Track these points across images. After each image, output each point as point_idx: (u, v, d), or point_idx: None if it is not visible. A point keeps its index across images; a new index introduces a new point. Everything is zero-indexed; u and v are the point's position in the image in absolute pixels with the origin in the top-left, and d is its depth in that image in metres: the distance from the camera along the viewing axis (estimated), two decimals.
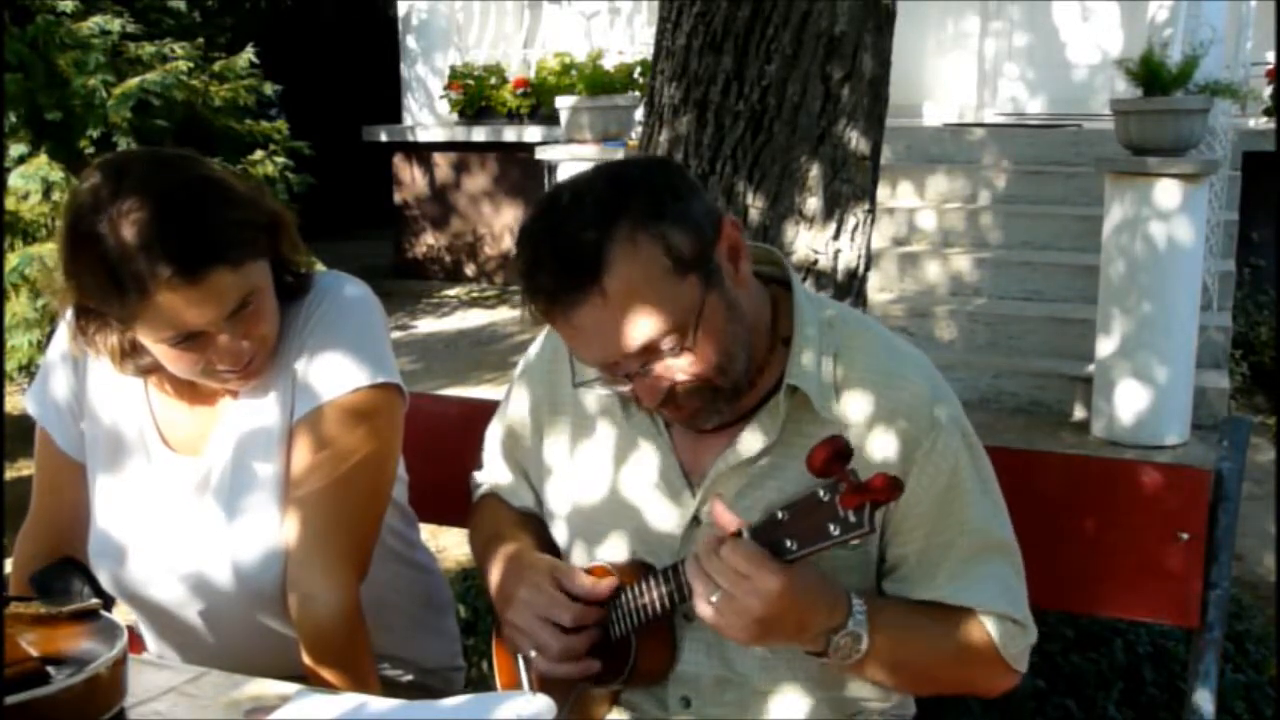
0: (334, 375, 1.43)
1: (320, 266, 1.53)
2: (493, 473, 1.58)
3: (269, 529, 1.44)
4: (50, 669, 1.07)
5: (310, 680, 1.39)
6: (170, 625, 1.52)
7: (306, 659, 1.41)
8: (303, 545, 1.41)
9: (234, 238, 1.32)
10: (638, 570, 1.35)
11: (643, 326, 1.19)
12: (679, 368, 1.23)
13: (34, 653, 1.08)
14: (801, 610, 1.19)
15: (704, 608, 1.18)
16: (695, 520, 1.34)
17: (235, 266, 1.31)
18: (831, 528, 1.12)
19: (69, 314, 1.41)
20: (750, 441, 1.31)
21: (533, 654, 1.36)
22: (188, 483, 1.47)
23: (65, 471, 1.54)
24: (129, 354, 1.41)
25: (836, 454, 1.10)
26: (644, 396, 1.26)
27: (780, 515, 1.15)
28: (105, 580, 1.49)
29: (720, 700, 1.37)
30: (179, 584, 1.47)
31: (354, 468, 1.43)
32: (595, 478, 1.41)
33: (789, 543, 1.15)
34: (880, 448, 1.28)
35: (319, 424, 1.43)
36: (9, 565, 1.57)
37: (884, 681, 1.32)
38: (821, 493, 1.13)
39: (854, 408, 1.29)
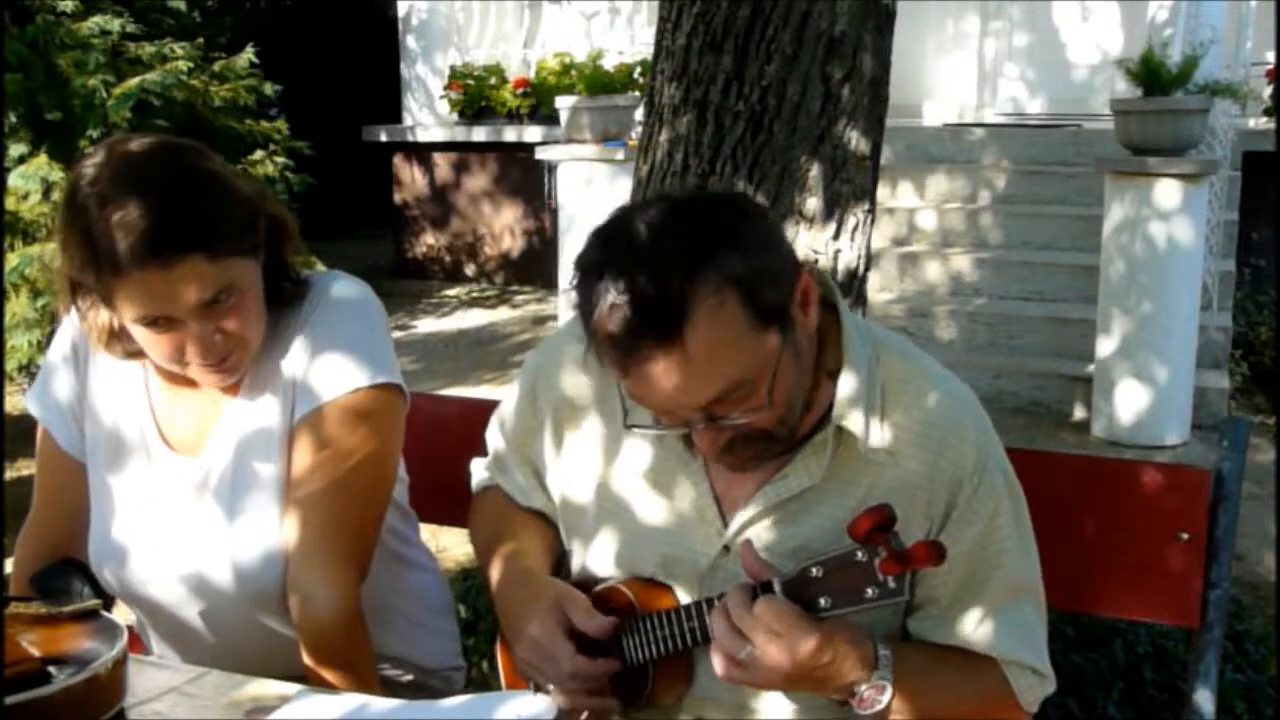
0: (334, 375, 1.43)
1: (320, 267, 1.53)
2: (500, 468, 1.53)
3: (269, 530, 1.44)
4: (50, 669, 1.07)
5: (311, 680, 1.39)
6: (171, 625, 1.52)
7: (307, 659, 1.40)
8: (303, 546, 1.41)
9: (217, 230, 1.32)
10: (656, 592, 1.32)
11: (719, 383, 1.14)
12: (745, 420, 1.18)
13: (34, 653, 1.08)
14: (830, 666, 1.16)
15: (728, 667, 1.15)
16: (725, 549, 1.30)
17: (213, 258, 1.31)
18: (868, 591, 1.11)
19: (66, 291, 1.41)
20: (794, 479, 1.27)
21: (550, 689, 1.33)
22: (188, 483, 1.47)
23: (66, 471, 1.54)
24: (116, 336, 1.41)
25: (881, 524, 1.09)
26: (704, 445, 1.21)
27: (814, 571, 1.13)
28: (106, 580, 1.49)
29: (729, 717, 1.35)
30: (179, 584, 1.47)
31: (354, 468, 1.42)
32: (618, 491, 1.37)
33: (823, 600, 1.13)
34: (925, 491, 1.25)
35: (319, 424, 1.43)
36: (9, 565, 1.57)
37: None
38: (860, 554, 1.11)
39: (899, 448, 1.25)
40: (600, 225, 1.19)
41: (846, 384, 1.24)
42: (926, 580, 1.26)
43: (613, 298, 1.11)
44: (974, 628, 1.27)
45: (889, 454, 1.25)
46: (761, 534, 1.28)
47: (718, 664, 1.16)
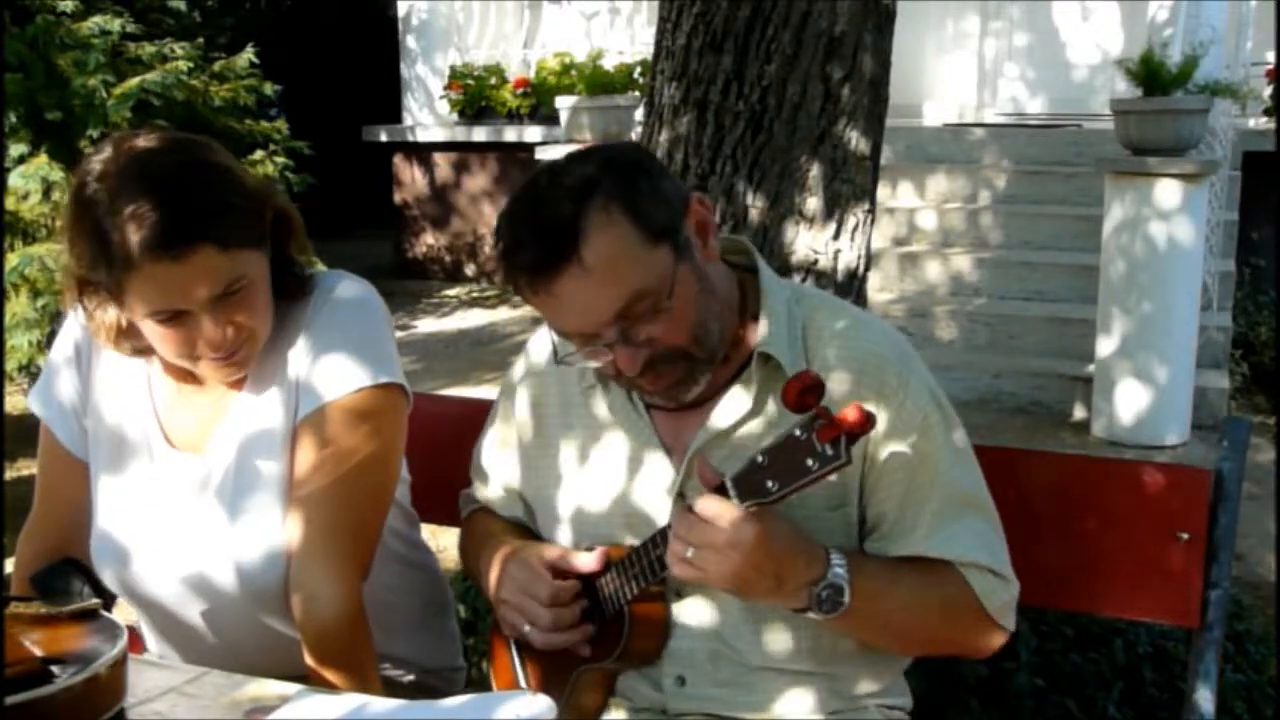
0: (336, 375, 1.43)
1: (321, 267, 1.53)
2: (483, 487, 1.60)
3: (271, 529, 1.44)
4: (51, 669, 1.07)
5: (312, 680, 1.39)
6: (172, 625, 1.52)
7: (309, 659, 1.40)
8: (305, 545, 1.41)
9: (227, 221, 1.32)
10: (627, 551, 1.37)
11: (620, 292, 1.24)
12: (656, 334, 1.27)
13: (35, 653, 1.08)
14: (779, 560, 1.22)
15: (681, 567, 1.22)
16: (680, 495, 1.36)
17: (223, 249, 1.31)
18: (810, 463, 1.14)
19: (73, 290, 1.41)
20: (727, 411, 1.36)
21: (527, 628, 1.38)
22: (190, 481, 1.47)
23: (68, 470, 1.54)
24: (125, 333, 1.41)
25: (808, 387, 1.12)
26: (624, 365, 1.29)
27: (760, 459, 1.18)
28: (107, 579, 1.49)
29: (715, 679, 1.38)
30: (180, 583, 1.47)
31: (356, 468, 1.42)
32: (585, 474, 1.44)
33: (770, 483, 1.17)
34: (851, 402, 1.30)
35: (321, 424, 1.43)
36: (9, 565, 1.57)
37: (870, 638, 1.35)
38: (798, 431, 1.15)
39: (823, 370, 1.33)
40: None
41: (766, 318, 1.36)
42: (873, 499, 1.34)
43: (518, 232, 1.27)
44: (924, 536, 1.33)
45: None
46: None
47: (675, 569, 1.23)
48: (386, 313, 1.51)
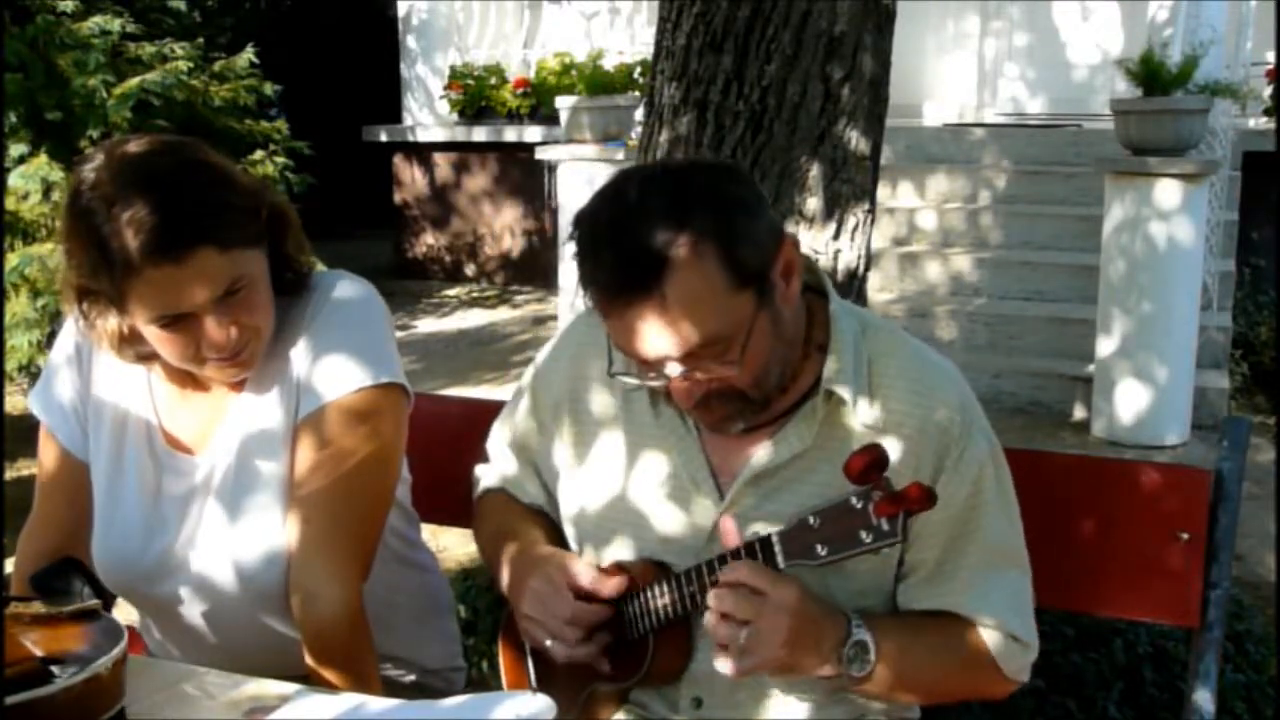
0: (336, 375, 1.43)
1: (321, 267, 1.53)
2: (503, 469, 1.56)
3: (271, 529, 1.44)
4: (51, 669, 1.07)
5: (312, 680, 1.39)
6: (172, 624, 1.52)
7: (309, 659, 1.40)
8: (305, 545, 1.41)
9: (224, 220, 1.32)
10: (654, 571, 1.34)
11: (695, 335, 1.20)
12: (719, 374, 1.24)
13: (35, 653, 1.08)
14: (816, 620, 1.20)
15: (737, 658, 1.18)
16: (716, 527, 1.32)
17: (223, 249, 1.31)
18: (864, 535, 1.13)
19: (72, 300, 1.40)
20: (785, 445, 1.31)
21: (549, 643, 1.35)
22: (190, 481, 1.47)
23: (68, 471, 1.54)
24: (128, 340, 1.40)
25: (874, 463, 1.11)
26: (679, 397, 1.27)
27: (811, 520, 1.16)
28: (107, 579, 1.49)
29: (732, 700, 1.37)
30: (181, 583, 1.47)
31: (357, 467, 1.42)
32: (618, 478, 1.40)
33: (819, 548, 1.16)
34: (911, 454, 1.28)
35: (321, 424, 1.42)
36: (9, 565, 1.57)
37: (892, 697, 1.32)
38: (855, 500, 1.13)
39: (888, 415, 1.29)
40: (601, 187, 1.27)
41: (834, 355, 1.31)
42: (915, 545, 1.31)
43: (601, 248, 1.20)
44: (958, 591, 1.31)
45: (877, 421, 1.30)
46: (756, 504, 1.32)
47: (726, 660, 1.19)
48: (387, 312, 1.50)
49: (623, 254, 1.18)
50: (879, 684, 1.26)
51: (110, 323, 1.39)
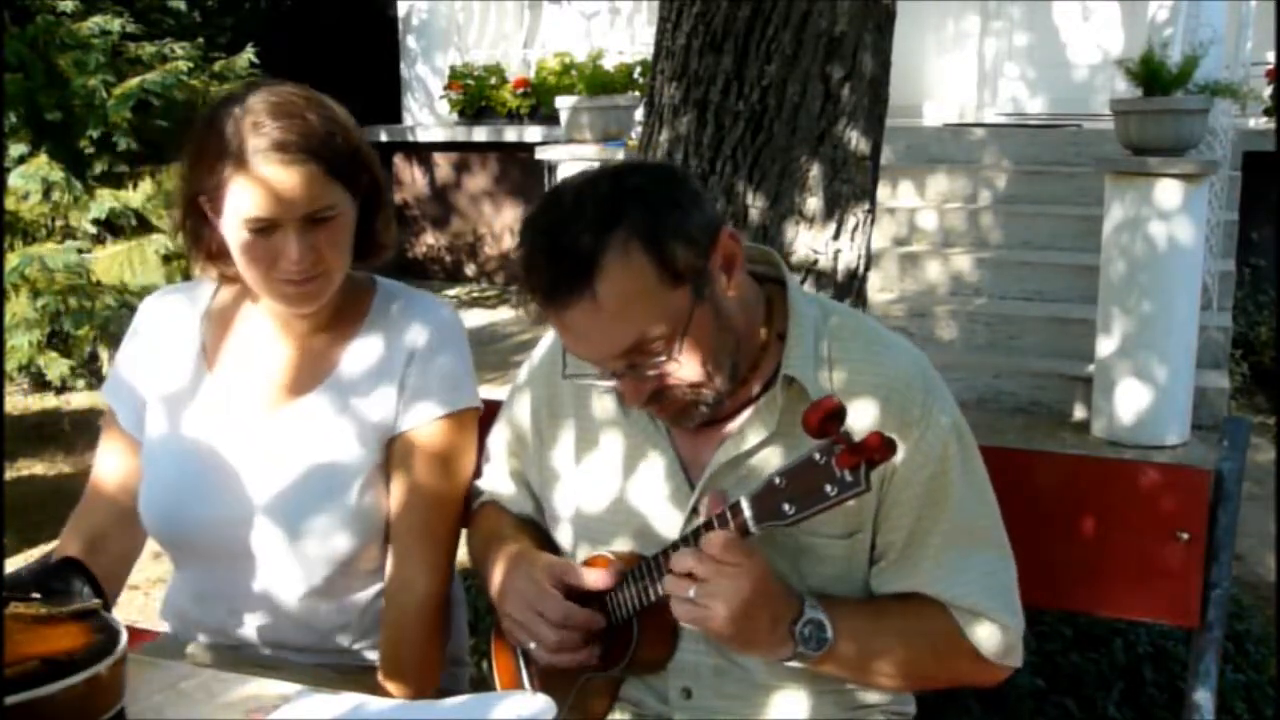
0: (449, 394, 1.53)
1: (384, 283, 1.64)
2: (493, 480, 1.60)
3: (339, 511, 1.48)
4: (51, 669, 1.07)
5: (383, 670, 1.51)
6: (219, 588, 1.56)
7: (385, 644, 1.53)
8: (408, 538, 1.52)
9: (338, 152, 1.42)
10: (637, 557, 1.36)
11: (629, 332, 1.22)
12: (665, 372, 1.26)
13: (35, 653, 1.08)
14: (774, 596, 1.23)
15: (683, 608, 1.21)
16: (694, 512, 1.35)
17: (328, 175, 1.41)
18: (829, 488, 1.14)
19: (180, 218, 1.49)
20: (748, 434, 1.33)
21: (532, 646, 1.37)
22: (265, 445, 1.52)
23: (125, 456, 1.59)
24: (215, 257, 1.50)
25: (830, 414, 1.11)
26: (628, 395, 1.29)
27: (778, 481, 1.18)
28: (156, 536, 1.56)
29: (721, 692, 1.37)
30: (236, 546, 1.51)
31: (457, 479, 1.55)
32: (598, 479, 1.43)
33: (787, 506, 1.17)
34: (869, 416, 1.30)
35: (436, 436, 1.52)
36: (10, 565, 1.57)
37: (861, 680, 1.33)
38: (817, 455, 1.14)
39: (848, 396, 1.30)
40: (542, 195, 1.31)
41: (792, 341, 1.32)
42: (884, 527, 1.32)
43: (534, 253, 1.24)
44: (926, 571, 1.32)
45: (835, 391, 1.30)
46: (730, 497, 1.31)
47: (675, 609, 1.22)
48: (465, 339, 1.61)
49: (555, 258, 1.21)
50: (841, 664, 1.28)
51: (207, 238, 1.48)
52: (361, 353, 1.54)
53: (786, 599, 1.25)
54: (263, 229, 1.40)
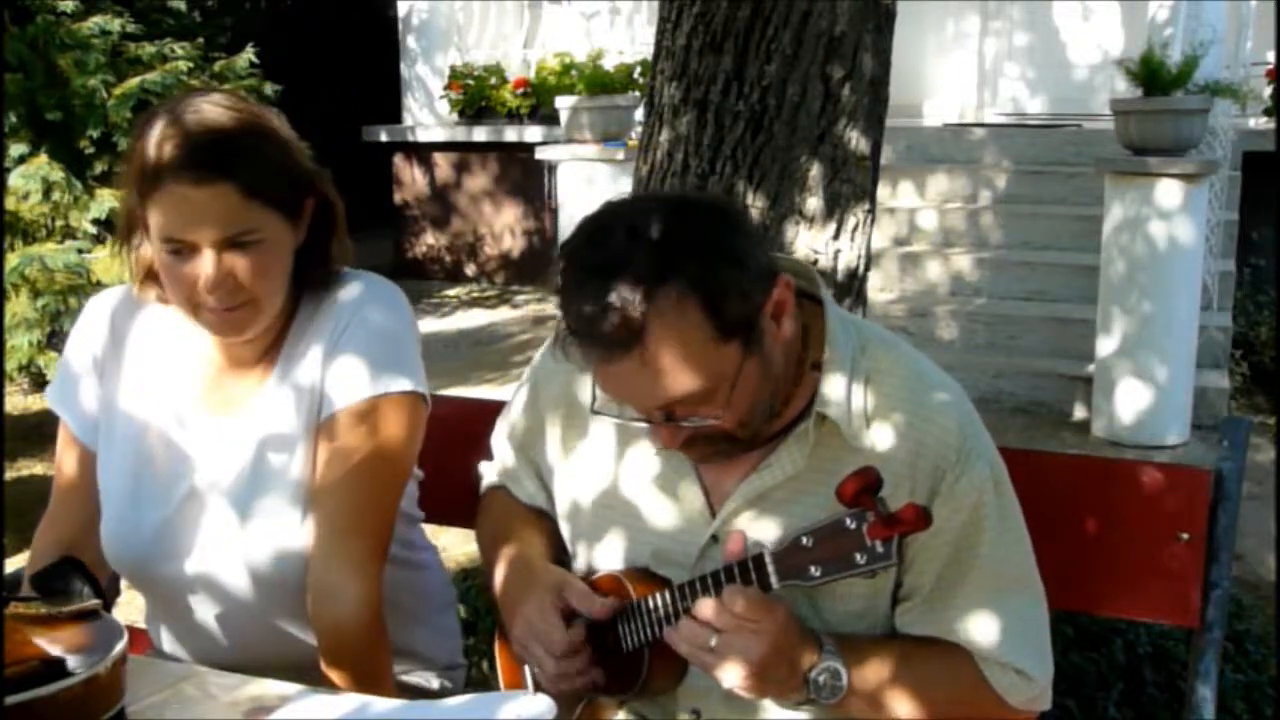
0: (353, 381, 1.43)
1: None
2: (504, 468, 1.56)
3: (282, 528, 1.44)
4: (51, 668, 1.07)
5: (325, 680, 1.39)
6: (182, 620, 1.52)
7: (324, 657, 1.40)
8: (323, 543, 1.42)
9: (257, 170, 1.34)
10: (650, 582, 1.33)
11: (677, 388, 1.17)
12: (704, 420, 1.21)
13: (35, 652, 1.08)
14: (794, 646, 1.20)
15: (700, 655, 1.18)
16: (713, 539, 1.32)
17: (245, 194, 1.33)
18: (858, 557, 1.12)
19: (124, 233, 1.44)
20: (777, 468, 1.29)
21: (537, 670, 1.35)
22: (204, 475, 1.47)
23: (84, 466, 1.54)
24: (149, 277, 1.44)
25: (866, 487, 1.10)
26: (663, 440, 1.25)
27: (805, 541, 1.15)
28: (118, 567, 1.50)
29: (729, 714, 1.35)
30: (189, 578, 1.47)
31: (367, 468, 1.43)
32: (613, 487, 1.39)
33: (813, 569, 1.15)
34: (906, 478, 1.26)
35: (343, 427, 1.43)
36: (10, 565, 1.57)
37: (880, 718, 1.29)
38: (849, 521, 1.13)
39: (883, 438, 1.26)
40: (588, 217, 1.22)
41: (830, 374, 1.27)
42: (912, 568, 1.28)
43: (581, 300, 1.15)
44: (953, 619, 1.28)
45: (871, 444, 1.27)
46: (749, 524, 1.30)
47: (691, 656, 1.20)
48: (411, 316, 1.51)
49: (601, 310, 1.13)
50: (857, 709, 1.25)
51: (145, 252, 1.42)
52: (298, 326, 1.47)
53: (804, 647, 1.22)
54: (179, 250, 1.34)
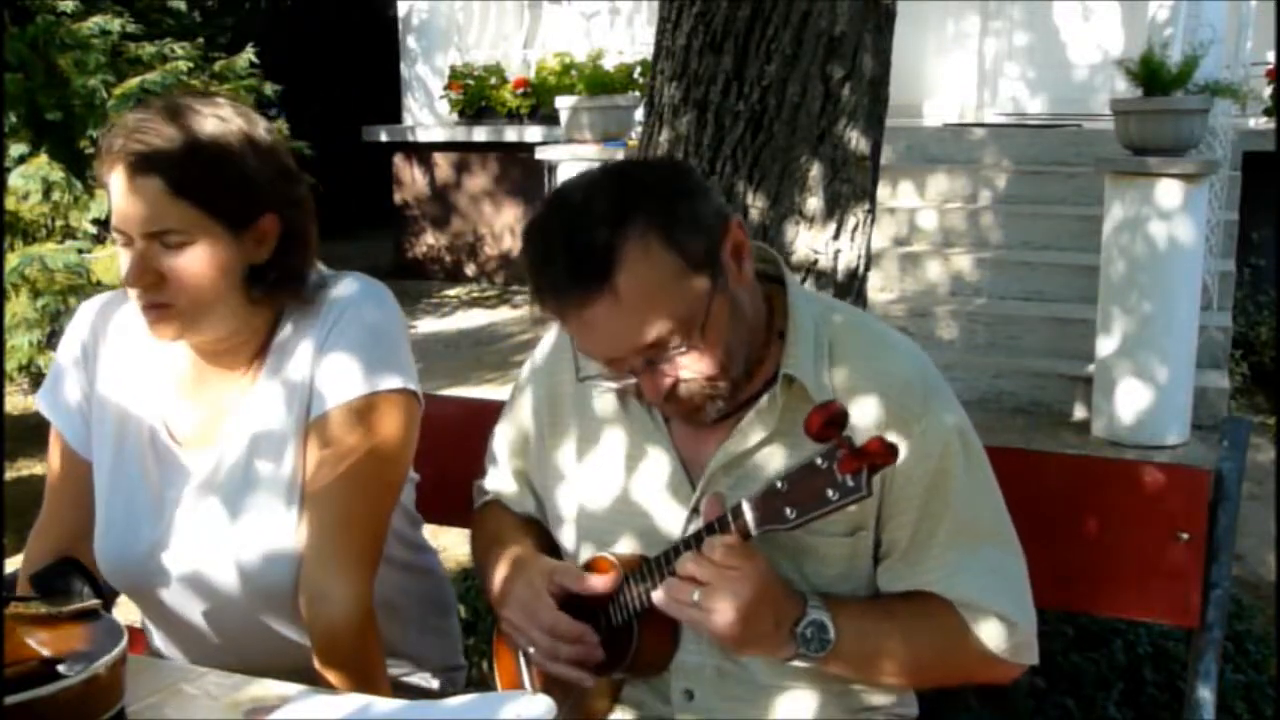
0: (344, 379, 1.43)
1: (321, 267, 1.52)
2: (496, 479, 1.59)
3: (273, 529, 1.43)
4: (51, 668, 1.07)
5: (319, 682, 1.38)
6: (175, 625, 1.52)
7: (317, 659, 1.40)
8: (314, 545, 1.41)
9: (192, 173, 1.33)
10: (638, 559, 1.35)
11: (652, 324, 1.21)
12: (684, 365, 1.25)
13: (35, 652, 1.08)
14: (777, 599, 1.23)
15: (685, 611, 1.21)
16: (695, 511, 1.35)
17: (173, 194, 1.32)
18: (830, 493, 1.14)
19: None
20: (749, 433, 1.33)
21: (530, 650, 1.37)
22: (193, 477, 1.47)
23: (75, 470, 1.54)
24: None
25: (831, 418, 1.12)
26: (648, 392, 1.28)
27: (779, 484, 1.18)
28: (108, 574, 1.49)
29: (724, 694, 1.37)
30: (181, 581, 1.46)
31: (360, 469, 1.42)
32: (599, 479, 1.42)
33: (789, 510, 1.17)
34: (869, 417, 1.29)
35: (333, 427, 1.42)
36: (9, 565, 1.57)
37: (868, 677, 1.33)
38: (819, 460, 1.15)
39: (848, 391, 1.30)
40: (546, 197, 1.30)
41: (792, 340, 1.32)
42: (888, 525, 1.32)
43: (549, 251, 1.22)
44: (931, 569, 1.31)
45: (839, 397, 1.30)
46: (727, 493, 1.32)
47: (677, 611, 1.23)
48: (401, 315, 1.51)
49: (571, 255, 1.20)
50: (845, 664, 1.28)
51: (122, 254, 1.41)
52: (287, 324, 1.47)
53: (789, 600, 1.25)
54: (125, 242, 1.35)
